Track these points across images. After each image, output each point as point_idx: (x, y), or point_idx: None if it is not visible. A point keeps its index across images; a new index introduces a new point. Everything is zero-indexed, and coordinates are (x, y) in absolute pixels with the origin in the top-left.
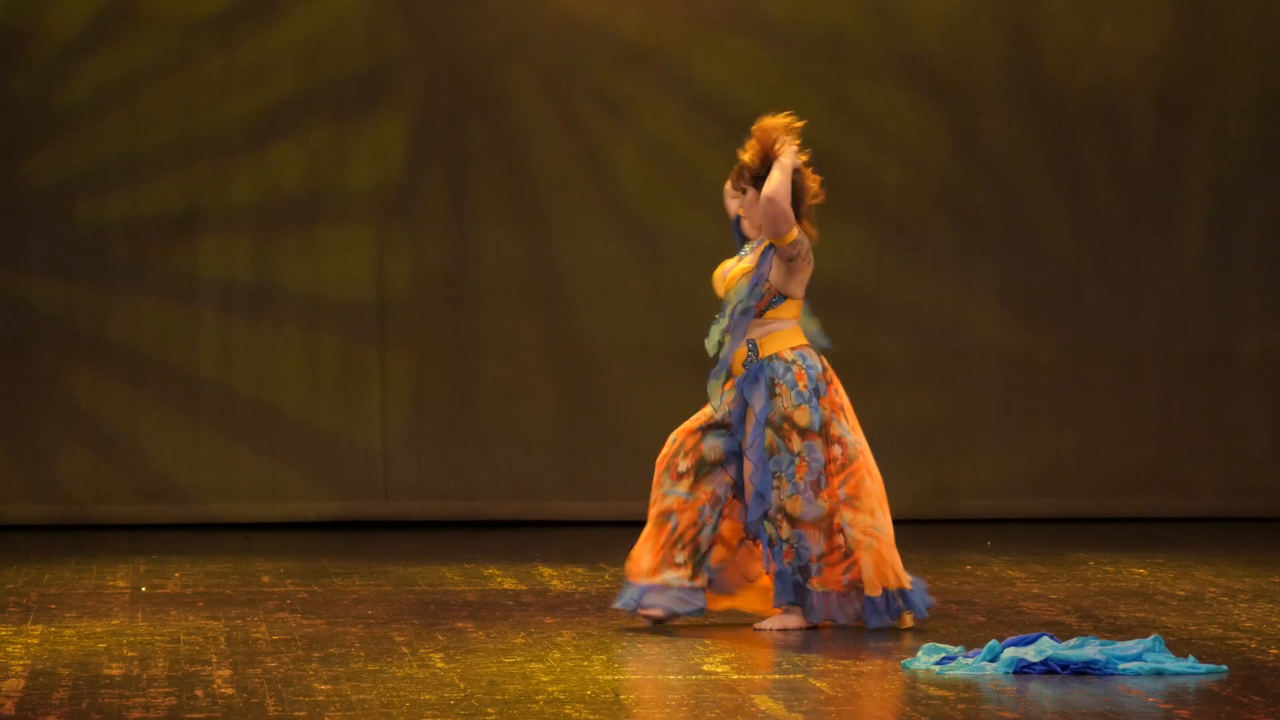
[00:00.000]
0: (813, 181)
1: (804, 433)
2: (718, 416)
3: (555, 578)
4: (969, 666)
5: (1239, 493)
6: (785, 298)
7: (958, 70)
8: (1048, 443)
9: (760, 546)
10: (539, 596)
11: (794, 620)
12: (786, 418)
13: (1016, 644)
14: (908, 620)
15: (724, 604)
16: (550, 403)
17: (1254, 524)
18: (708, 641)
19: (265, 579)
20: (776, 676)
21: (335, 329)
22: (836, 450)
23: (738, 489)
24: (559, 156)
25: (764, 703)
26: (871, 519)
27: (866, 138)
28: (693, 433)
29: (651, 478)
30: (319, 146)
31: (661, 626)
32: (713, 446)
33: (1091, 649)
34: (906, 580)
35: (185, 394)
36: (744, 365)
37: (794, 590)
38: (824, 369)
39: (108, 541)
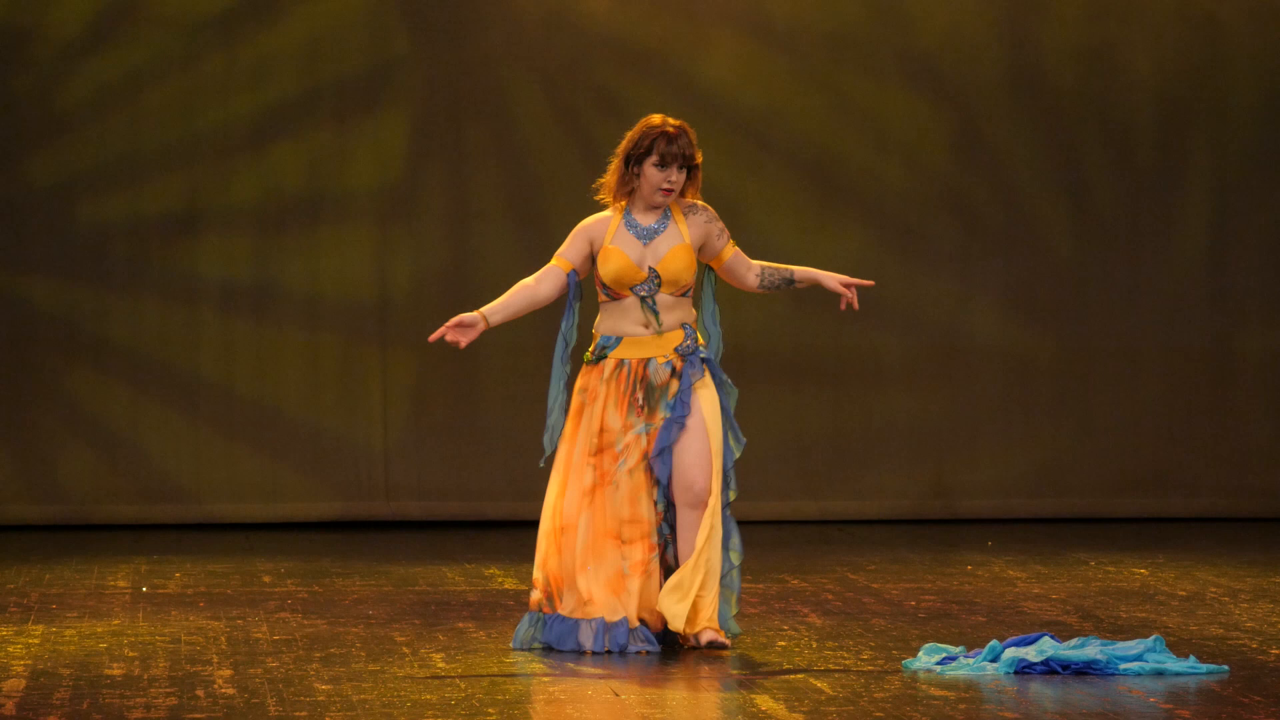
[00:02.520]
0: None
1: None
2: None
3: None
4: (970, 667)
5: (1239, 493)
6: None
7: (959, 70)
8: (1048, 443)
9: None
10: None
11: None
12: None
13: (1017, 644)
14: None
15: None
16: None
17: (1254, 524)
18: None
19: (266, 579)
20: (777, 676)
21: (336, 329)
22: None
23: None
24: (559, 156)
25: (764, 703)
26: None
27: (867, 138)
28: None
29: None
30: (320, 146)
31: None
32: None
33: (1092, 649)
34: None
35: (186, 394)
36: (678, 350)
37: None
38: None
39: (109, 541)
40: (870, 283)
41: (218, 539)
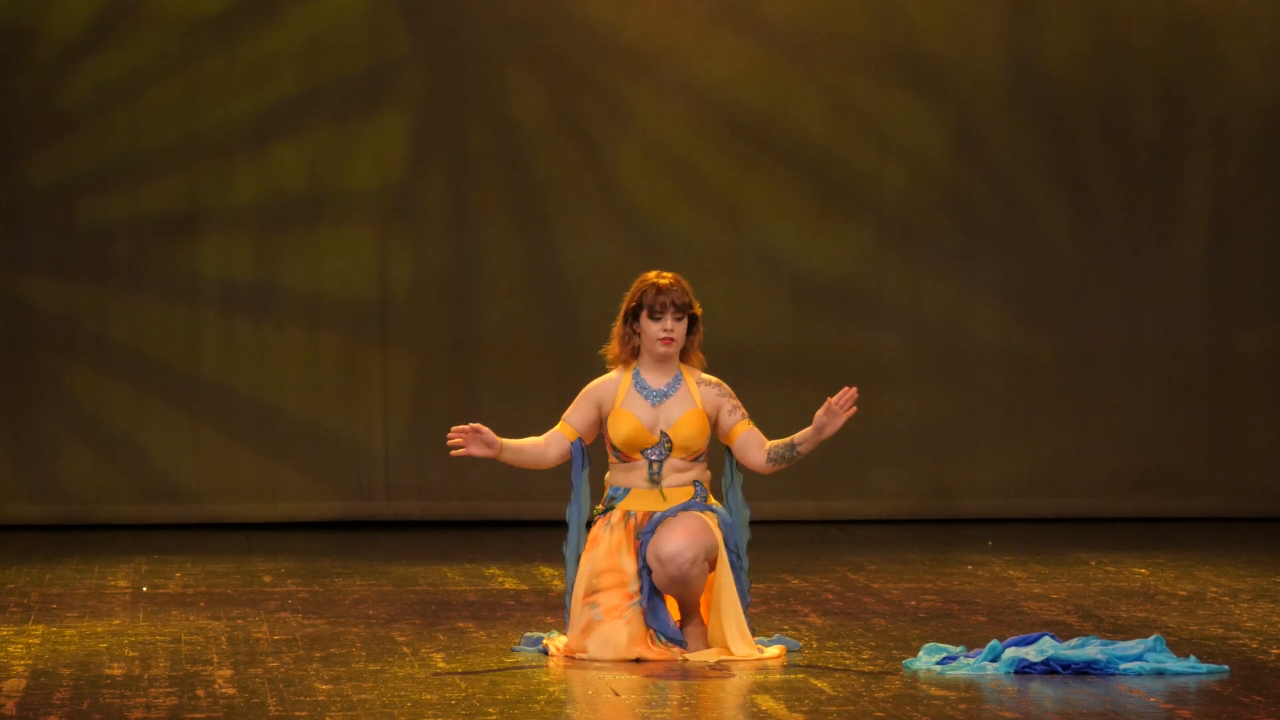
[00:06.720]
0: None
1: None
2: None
3: (556, 578)
4: (970, 666)
5: (1239, 492)
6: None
7: (958, 70)
8: (1048, 443)
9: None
10: (540, 596)
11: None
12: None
13: (1018, 644)
14: None
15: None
16: (550, 403)
17: (1254, 524)
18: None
19: (266, 579)
20: (777, 676)
21: (336, 329)
22: None
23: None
24: (559, 157)
25: (765, 703)
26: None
27: (867, 138)
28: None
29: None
30: (320, 146)
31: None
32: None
33: (1093, 649)
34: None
35: (187, 394)
36: (684, 504)
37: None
38: None
39: (109, 541)
40: (853, 390)
41: (218, 539)
